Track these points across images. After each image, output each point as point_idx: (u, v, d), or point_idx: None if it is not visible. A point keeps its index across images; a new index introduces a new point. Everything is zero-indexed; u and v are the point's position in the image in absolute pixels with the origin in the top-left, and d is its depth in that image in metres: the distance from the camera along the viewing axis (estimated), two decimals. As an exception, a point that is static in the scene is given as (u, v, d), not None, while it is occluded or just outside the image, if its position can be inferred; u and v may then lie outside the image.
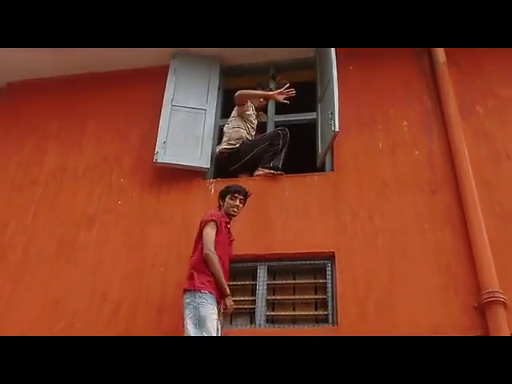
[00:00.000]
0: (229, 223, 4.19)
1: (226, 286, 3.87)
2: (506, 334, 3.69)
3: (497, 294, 3.91)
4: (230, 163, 5.20)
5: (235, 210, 4.24)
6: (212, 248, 3.90)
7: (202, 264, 3.89)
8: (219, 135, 5.51)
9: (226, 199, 4.24)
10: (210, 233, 3.99)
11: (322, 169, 5.12)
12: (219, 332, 3.77)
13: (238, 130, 5.28)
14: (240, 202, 4.26)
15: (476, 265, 4.14)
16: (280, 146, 5.13)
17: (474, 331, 3.86)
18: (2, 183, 5.54)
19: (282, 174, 5.03)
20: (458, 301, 4.07)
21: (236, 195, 4.25)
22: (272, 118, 5.60)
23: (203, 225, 4.07)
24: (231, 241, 4.23)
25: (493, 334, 3.74)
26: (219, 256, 3.94)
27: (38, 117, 5.98)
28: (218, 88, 5.70)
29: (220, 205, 4.30)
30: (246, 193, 4.32)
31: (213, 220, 4.05)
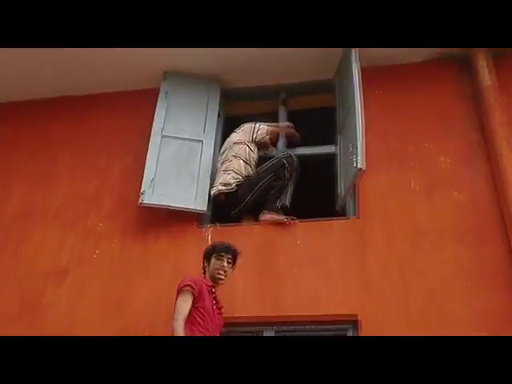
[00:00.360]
0: (214, 287, 3.87)
1: None
2: None
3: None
4: (229, 207, 4.81)
5: (221, 272, 3.89)
6: (180, 319, 3.54)
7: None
8: (219, 171, 5.20)
9: (212, 260, 3.93)
10: (180, 305, 3.64)
11: (343, 213, 4.76)
12: None
13: (237, 161, 4.85)
14: (228, 263, 3.92)
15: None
16: (286, 179, 4.75)
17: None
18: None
19: (293, 220, 4.62)
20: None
21: (222, 255, 3.90)
22: (282, 151, 5.17)
23: (176, 294, 3.75)
24: (219, 308, 3.89)
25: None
26: (207, 328, 3.66)
27: (1, 146, 5.63)
28: (218, 115, 5.37)
29: (204, 268, 4.00)
30: (235, 251, 3.97)
31: (187, 285, 3.69)
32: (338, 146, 4.98)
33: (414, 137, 4.85)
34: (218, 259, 3.89)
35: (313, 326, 4.15)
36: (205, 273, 3.95)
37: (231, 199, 4.77)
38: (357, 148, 4.34)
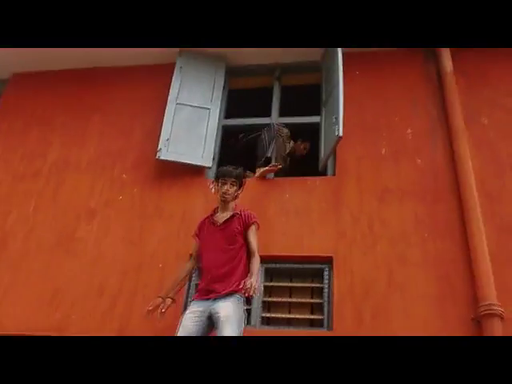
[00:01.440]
0: (215, 212, 3.90)
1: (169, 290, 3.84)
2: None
3: (494, 307, 3.86)
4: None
5: (224, 195, 3.85)
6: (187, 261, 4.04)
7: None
8: (223, 134, 5.47)
9: (219, 185, 3.90)
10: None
11: (324, 173, 5.02)
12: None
13: None
14: (231, 185, 3.84)
15: (475, 276, 4.08)
16: (267, 138, 5.18)
17: (470, 343, 3.78)
18: (5, 174, 5.51)
19: (277, 166, 4.98)
20: (455, 312, 4.01)
21: (225, 179, 3.85)
22: (276, 120, 5.53)
23: None
24: (222, 229, 3.81)
25: (489, 346, 3.66)
26: (206, 259, 3.81)
27: (42, 109, 5.92)
28: (223, 87, 5.64)
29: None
30: (239, 174, 3.88)
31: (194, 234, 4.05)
32: (322, 117, 5.22)
33: (386, 111, 5.12)
34: (222, 184, 3.84)
35: (295, 264, 4.49)
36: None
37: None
38: (338, 119, 4.56)
